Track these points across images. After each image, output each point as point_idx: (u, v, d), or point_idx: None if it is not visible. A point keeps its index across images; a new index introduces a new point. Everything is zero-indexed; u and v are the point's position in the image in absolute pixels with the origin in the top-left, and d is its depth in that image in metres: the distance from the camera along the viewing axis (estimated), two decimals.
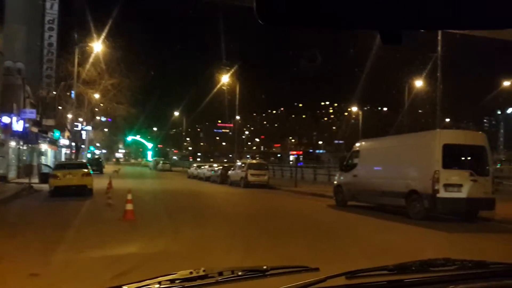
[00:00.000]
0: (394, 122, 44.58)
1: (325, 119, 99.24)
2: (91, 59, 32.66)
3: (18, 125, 25.24)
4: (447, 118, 49.42)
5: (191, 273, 1.69)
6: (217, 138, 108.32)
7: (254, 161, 29.90)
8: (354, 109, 60.42)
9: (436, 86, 24.37)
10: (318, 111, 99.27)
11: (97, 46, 31.58)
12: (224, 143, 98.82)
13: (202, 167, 38.37)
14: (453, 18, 1.07)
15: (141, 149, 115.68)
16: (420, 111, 50.91)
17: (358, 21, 1.10)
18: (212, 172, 33.79)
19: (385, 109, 75.93)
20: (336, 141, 76.02)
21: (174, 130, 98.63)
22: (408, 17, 1.06)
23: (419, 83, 37.13)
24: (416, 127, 33.51)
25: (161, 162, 61.83)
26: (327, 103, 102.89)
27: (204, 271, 1.71)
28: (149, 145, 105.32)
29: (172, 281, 1.65)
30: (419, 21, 1.09)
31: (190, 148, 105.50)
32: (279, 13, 1.07)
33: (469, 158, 12.62)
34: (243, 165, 28.02)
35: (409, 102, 39.98)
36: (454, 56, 29.65)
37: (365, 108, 66.85)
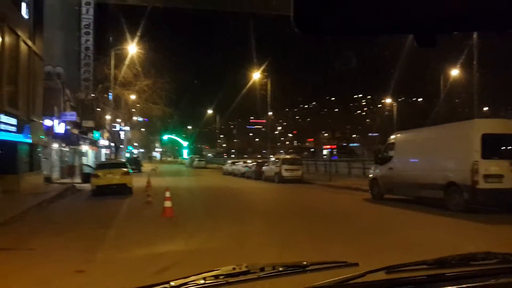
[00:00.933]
0: (430, 113, 43.36)
1: (358, 112, 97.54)
2: (126, 61, 33.43)
3: (59, 128, 26.14)
4: (486, 106, 47.66)
5: (234, 268, 1.75)
6: (250, 134, 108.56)
7: (287, 157, 29.86)
8: (388, 100, 59.14)
9: (473, 74, 23.61)
10: (351, 104, 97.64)
11: (132, 49, 32.30)
12: (257, 139, 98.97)
13: (237, 163, 38.68)
14: (488, 19, 1.08)
15: (176, 147, 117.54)
16: (457, 100, 49.33)
17: (394, 26, 1.12)
18: (247, 168, 34.02)
19: (420, 99, 73.87)
20: (370, 134, 74.69)
21: (208, 128, 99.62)
22: (443, 20, 1.08)
23: (455, 71, 36.00)
24: (453, 117, 32.50)
25: (196, 159, 62.63)
26: (360, 95, 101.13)
27: (246, 266, 1.76)
28: (184, 143, 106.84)
29: (216, 276, 1.71)
30: (454, 24, 1.11)
31: (224, 145, 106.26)
32: (316, 23, 1.10)
33: (509, 147, 12.21)
34: (277, 160, 28.07)
35: (445, 91, 38.82)
36: (492, 42, 28.52)
37: (400, 99, 65.24)
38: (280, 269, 1.80)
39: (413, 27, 1.11)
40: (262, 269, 1.78)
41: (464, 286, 1.61)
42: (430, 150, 13.36)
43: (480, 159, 11.32)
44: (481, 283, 1.63)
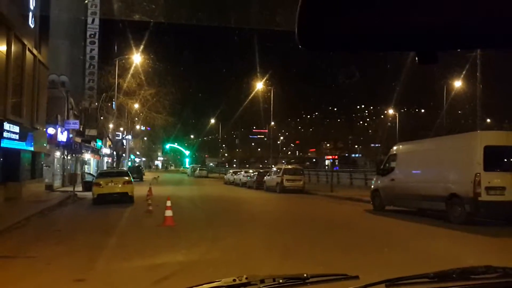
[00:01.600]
0: (433, 124, 43.39)
1: (361, 122, 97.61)
2: (131, 71, 33.66)
3: (62, 136, 26.23)
4: (488, 118, 47.64)
5: (234, 280, 1.75)
6: (253, 144, 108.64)
7: (289, 167, 29.81)
8: (391, 111, 59.20)
9: (475, 85, 23.65)
10: (353, 115, 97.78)
11: (137, 58, 32.52)
12: (259, 149, 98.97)
13: (238, 173, 38.66)
14: (488, 37, 1.09)
15: (178, 157, 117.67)
16: (459, 111, 49.39)
17: (396, 43, 1.14)
18: (248, 178, 33.97)
19: (422, 110, 73.98)
20: (372, 145, 74.69)
21: (211, 137, 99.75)
22: (444, 38, 1.10)
23: (458, 83, 36.08)
24: (456, 129, 32.49)
25: (198, 169, 62.63)
26: (363, 106, 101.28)
27: (246, 278, 1.76)
28: (187, 152, 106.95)
29: None
30: (455, 42, 1.12)
31: (226, 155, 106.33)
32: (320, 39, 1.12)
33: None
34: (278, 170, 28.01)
35: (448, 103, 38.88)
36: (495, 54, 28.57)
37: (402, 110, 65.31)
38: (281, 281, 1.81)
39: (415, 44, 1.13)
40: (262, 281, 1.79)
41: None
42: (432, 162, 13.34)
43: (482, 171, 11.29)
44: None
